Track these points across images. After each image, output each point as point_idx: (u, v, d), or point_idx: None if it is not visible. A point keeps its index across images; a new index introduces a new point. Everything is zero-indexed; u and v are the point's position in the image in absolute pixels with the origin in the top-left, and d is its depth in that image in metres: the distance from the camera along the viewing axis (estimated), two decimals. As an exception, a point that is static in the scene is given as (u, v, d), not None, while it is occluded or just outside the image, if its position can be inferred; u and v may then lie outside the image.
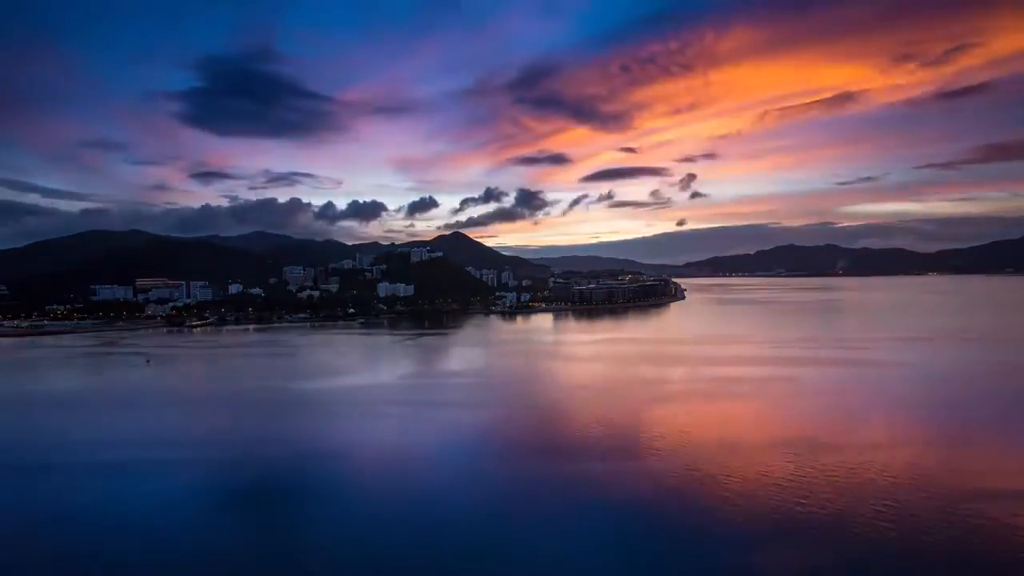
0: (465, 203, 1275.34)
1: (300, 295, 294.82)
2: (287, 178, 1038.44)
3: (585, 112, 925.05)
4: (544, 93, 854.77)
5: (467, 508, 51.15)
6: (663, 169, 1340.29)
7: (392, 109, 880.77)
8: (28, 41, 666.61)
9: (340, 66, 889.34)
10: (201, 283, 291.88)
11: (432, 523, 47.92)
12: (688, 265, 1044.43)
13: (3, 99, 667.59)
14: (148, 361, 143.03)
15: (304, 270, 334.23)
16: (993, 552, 41.73)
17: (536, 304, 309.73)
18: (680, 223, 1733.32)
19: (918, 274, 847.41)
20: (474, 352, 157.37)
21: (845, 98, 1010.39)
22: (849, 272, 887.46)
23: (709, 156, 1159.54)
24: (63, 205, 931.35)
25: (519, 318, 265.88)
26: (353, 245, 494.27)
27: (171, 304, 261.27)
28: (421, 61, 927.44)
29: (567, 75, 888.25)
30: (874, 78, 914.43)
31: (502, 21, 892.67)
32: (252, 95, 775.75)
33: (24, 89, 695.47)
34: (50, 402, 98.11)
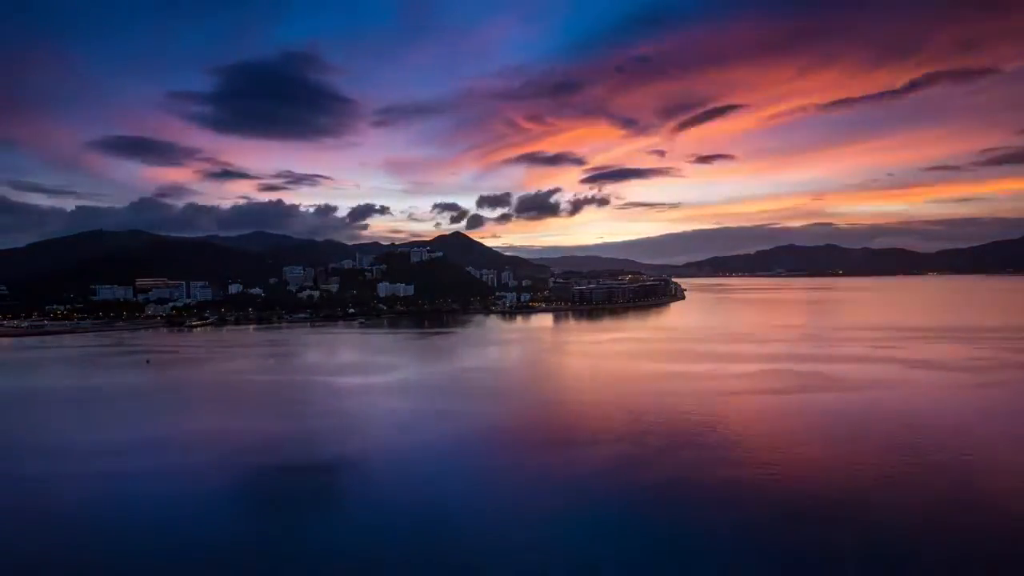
0: (464, 204, 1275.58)
1: (300, 295, 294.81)
2: (290, 179, 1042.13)
3: (583, 113, 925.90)
4: (543, 96, 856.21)
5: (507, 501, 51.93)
6: (667, 169, 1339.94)
7: (392, 112, 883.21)
8: (35, 43, 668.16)
9: (345, 70, 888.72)
10: (201, 283, 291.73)
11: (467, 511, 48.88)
12: (688, 265, 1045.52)
13: (8, 100, 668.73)
14: (148, 361, 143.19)
15: (304, 270, 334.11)
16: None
17: (536, 304, 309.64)
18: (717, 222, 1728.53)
19: (918, 274, 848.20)
20: (488, 350, 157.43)
21: (846, 98, 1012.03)
22: (849, 272, 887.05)
23: (709, 157, 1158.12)
24: (64, 205, 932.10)
25: (519, 318, 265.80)
26: (353, 245, 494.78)
27: (171, 304, 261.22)
28: (416, 66, 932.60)
29: (564, 77, 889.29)
30: (874, 79, 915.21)
31: (496, 24, 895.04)
32: (259, 98, 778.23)
33: (30, 91, 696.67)
34: (49, 402, 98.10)
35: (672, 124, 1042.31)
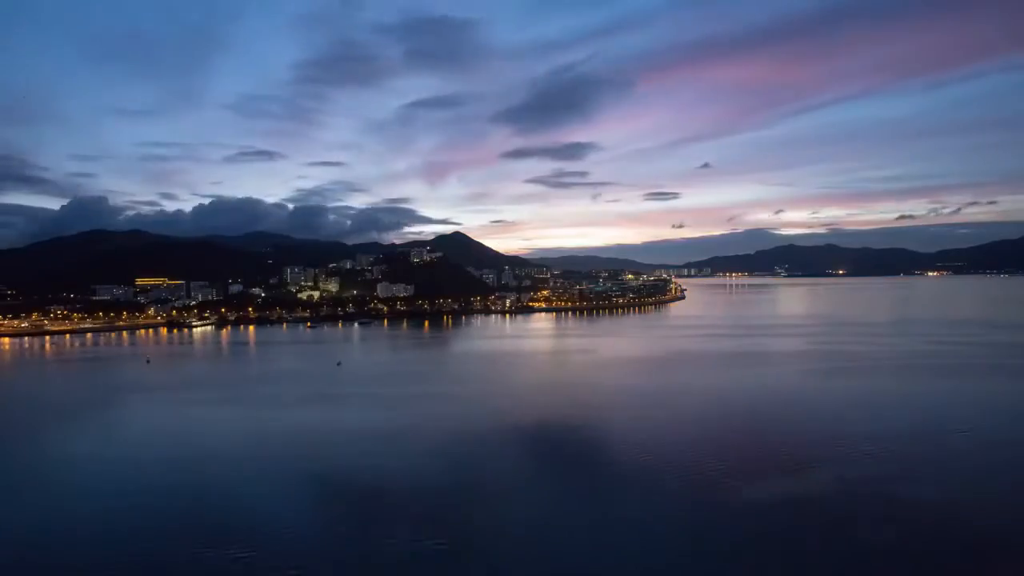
0: (465, 204, 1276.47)
1: (300, 295, 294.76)
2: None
3: (589, 113, 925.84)
4: (544, 100, 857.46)
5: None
6: (667, 169, 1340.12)
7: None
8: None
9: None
10: (201, 283, 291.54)
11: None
12: (688, 265, 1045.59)
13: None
14: (148, 361, 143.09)
15: (304, 270, 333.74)
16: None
17: (536, 304, 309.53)
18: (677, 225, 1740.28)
19: (919, 274, 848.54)
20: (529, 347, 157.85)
21: (848, 99, 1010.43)
22: (850, 272, 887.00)
23: (708, 155, 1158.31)
24: (64, 205, 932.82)
25: (520, 318, 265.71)
26: (353, 245, 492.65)
27: (171, 304, 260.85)
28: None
29: (561, 81, 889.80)
30: (869, 79, 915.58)
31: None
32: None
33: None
34: (53, 403, 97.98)
35: (670, 122, 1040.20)
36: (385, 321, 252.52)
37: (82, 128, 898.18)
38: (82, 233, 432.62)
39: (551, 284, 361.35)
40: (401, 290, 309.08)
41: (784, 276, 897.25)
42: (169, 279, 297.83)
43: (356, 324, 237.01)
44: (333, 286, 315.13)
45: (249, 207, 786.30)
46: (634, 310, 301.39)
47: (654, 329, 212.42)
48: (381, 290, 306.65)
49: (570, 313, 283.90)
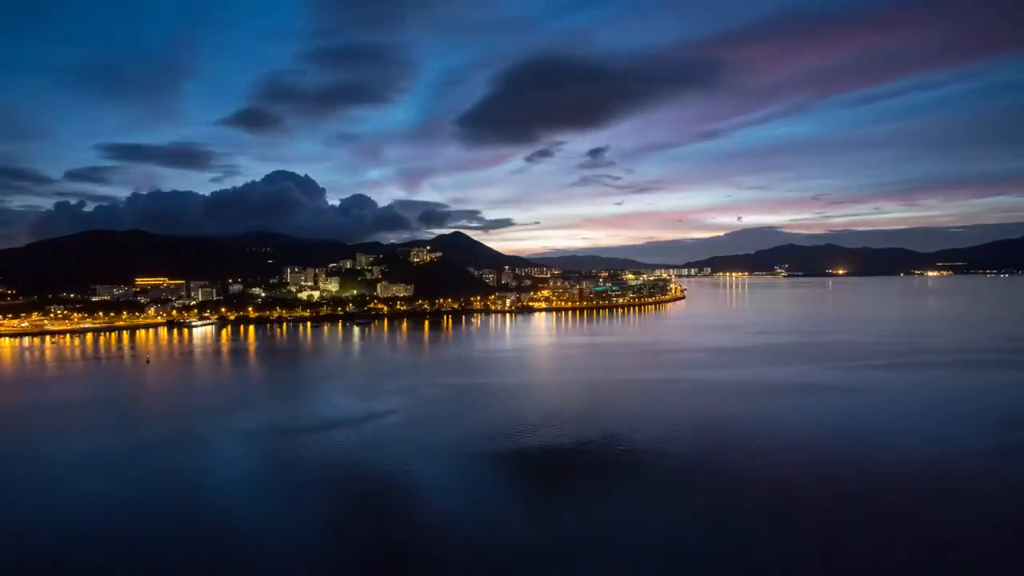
0: (465, 204, 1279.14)
1: (300, 295, 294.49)
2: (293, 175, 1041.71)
3: (590, 114, 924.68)
4: (544, 101, 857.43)
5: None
6: (667, 169, 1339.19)
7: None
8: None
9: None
10: (201, 283, 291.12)
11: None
12: (688, 265, 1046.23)
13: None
14: (148, 361, 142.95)
15: (304, 270, 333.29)
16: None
17: (536, 304, 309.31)
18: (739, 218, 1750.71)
19: (919, 274, 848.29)
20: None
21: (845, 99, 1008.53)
22: (850, 272, 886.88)
23: (706, 153, 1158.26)
24: (64, 204, 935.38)
25: (520, 318, 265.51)
26: (353, 245, 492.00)
27: (171, 304, 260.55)
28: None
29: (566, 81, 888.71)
30: (864, 79, 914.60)
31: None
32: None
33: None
34: (57, 405, 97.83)
35: (670, 119, 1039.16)
36: (385, 321, 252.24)
37: (72, 141, 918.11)
38: (82, 233, 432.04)
39: (551, 284, 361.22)
40: (401, 290, 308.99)
41: (784, 276, 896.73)
42: (169, 279, 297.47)
43: (354, 325, 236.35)
44: (333, 286, 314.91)
45: (247, 206, 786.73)
46: (634, 310, 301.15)
47: (668, 326, 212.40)
48: (381, 290, 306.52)
49: (570, 313, 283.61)
